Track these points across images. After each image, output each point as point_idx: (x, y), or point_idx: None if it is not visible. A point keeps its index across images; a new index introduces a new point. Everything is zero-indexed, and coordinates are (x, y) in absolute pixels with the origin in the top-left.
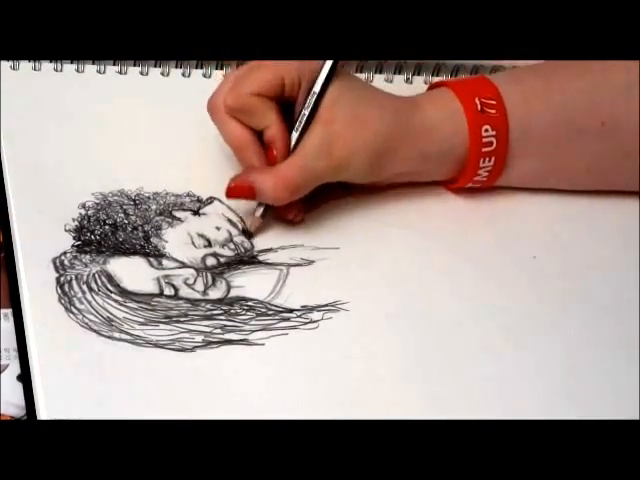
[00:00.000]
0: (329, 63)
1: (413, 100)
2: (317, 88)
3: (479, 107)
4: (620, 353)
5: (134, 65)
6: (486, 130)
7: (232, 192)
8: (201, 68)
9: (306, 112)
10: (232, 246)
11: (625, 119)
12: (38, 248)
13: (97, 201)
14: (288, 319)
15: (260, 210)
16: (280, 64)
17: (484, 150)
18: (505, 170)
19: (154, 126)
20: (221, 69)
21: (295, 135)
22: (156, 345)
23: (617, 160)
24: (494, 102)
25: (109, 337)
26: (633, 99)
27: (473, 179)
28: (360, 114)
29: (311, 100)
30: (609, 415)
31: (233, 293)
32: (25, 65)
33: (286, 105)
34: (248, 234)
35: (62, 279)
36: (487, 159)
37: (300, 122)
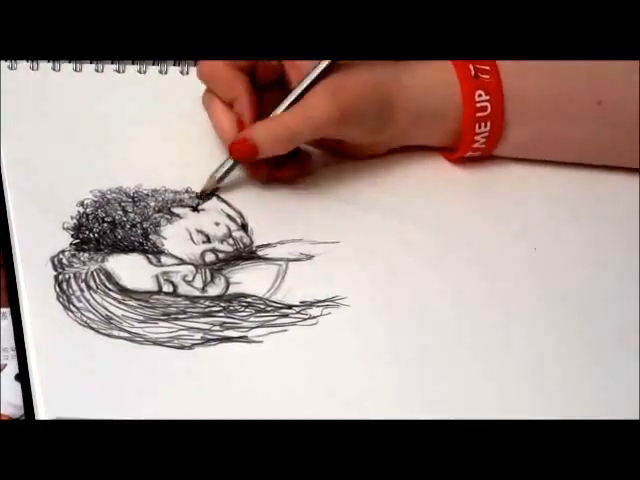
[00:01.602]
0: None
1: (403, 63)
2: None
3: (472, 72)
4: (620, 352)
5: (132, 63)
6: (479, 95)
7: (234, 151)
8: None
9: (304, 84)
10: (231, 241)
11: (623, 101)
12: (36, 246)
13: (95, 199)
14: (287, 315)
15: (220, 172)
16: None
17: (479, 115)
18: (502, 138)
19: (152, 123)
20: None
21: (288, 101)
22: (155, 343)
23: (613, 140)
24: (488, 68)
25: (108, 335)
26: (631, 81)
27: (472, 146)
28: (356, 70)
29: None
30: (609, 415)
31: (232, 289)
32: (23, 64)
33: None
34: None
35: (60, 277)
36: (483, 124)
37: (295, 90)
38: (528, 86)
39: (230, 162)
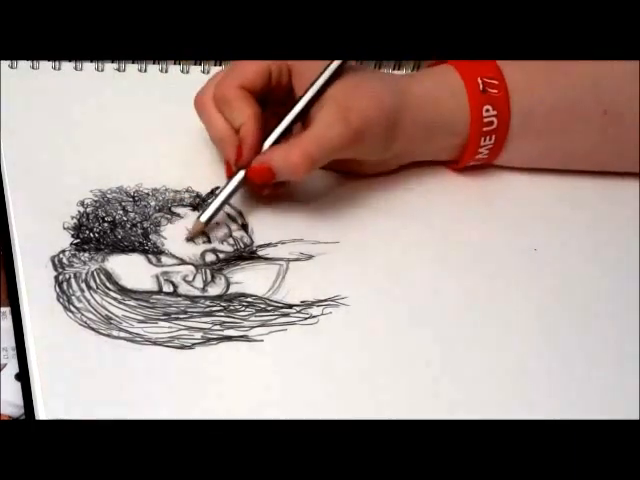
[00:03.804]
0: (336, 63)
1: (412, 74)
2: (324, 78)
3: (481, 87)
4: (620, 352)
5: (132, 62)
6: (487, 110)
7: (252, 176)
8: (200, 64)
9: (304, 98)
10: (231, 241)
11: (627, 108)
12: (37, 246)
13: (96, 198)
14: (287, 315)
15: (206, 215)
16: None
17: (485, 129)
18: (505, 149)
19: (153, 122)
20: (219, 65)
21: (288, 119)
22: (155, 343)
23: (618, 148)
24: (496, 82)
25: (108, 335)
26: (635, 88)
27: (474, 157)
28: (364, 86)
29: (311, 89)
30: (609, 415)
31: (232, 289)
32: (23, 64)
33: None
34: (191, 236)
35: (61, 277)
36: (488, 138)
37: (296, 106)
38: (535, 100)
39: (219, 201)
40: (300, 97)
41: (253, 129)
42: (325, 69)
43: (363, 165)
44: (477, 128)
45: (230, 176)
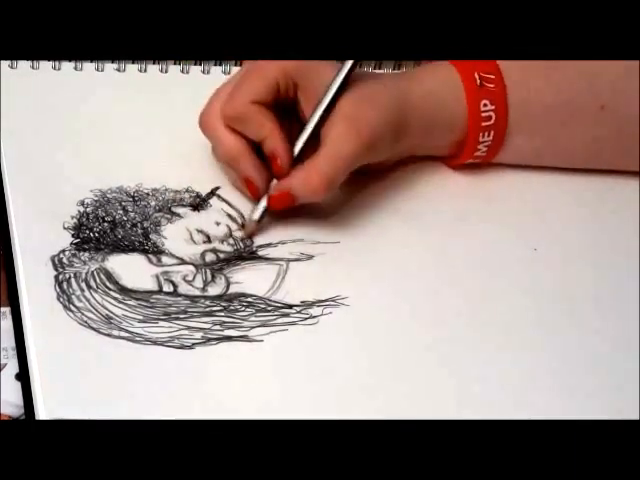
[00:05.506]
0: (348, 64)
1: (411, 73)
2: (334, 89)
3: (478, 82)
4: (620, 352)
5: (132, 62)
6: (485, 105)
7: (274, 204)
8: (200, 64)
9: (318, 113)
10: (231, 241)
11: (624, 103)
12: (37, 246)
13: (96, 198)
14: (288, 315)
15: (257, 213)
16: (270, 68)
17: (483, 125)
18: (504, 146)
19: (153, 122)
20: (219, 65)
21: (305, 136)
22: (155, 343)
23: (615, 142)
24: (493, 77)
25: (108, 335)
26: (633, 83)
27: (473, 155)
28: (366, 93)
29: (324, 100)
30: (609, 415)
31: (232, 289)
32: (23, 64)
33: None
34: (247, 236)
35: (61, 277)
36: (486, 133)
37: (310, 122)
38: (532, 94)
39: (264, 204)
40: (314, 110)
41: (282, 139)
42: (334, 80)
43: (368, 166)
44: (475, 123)
45: (255, 193)
